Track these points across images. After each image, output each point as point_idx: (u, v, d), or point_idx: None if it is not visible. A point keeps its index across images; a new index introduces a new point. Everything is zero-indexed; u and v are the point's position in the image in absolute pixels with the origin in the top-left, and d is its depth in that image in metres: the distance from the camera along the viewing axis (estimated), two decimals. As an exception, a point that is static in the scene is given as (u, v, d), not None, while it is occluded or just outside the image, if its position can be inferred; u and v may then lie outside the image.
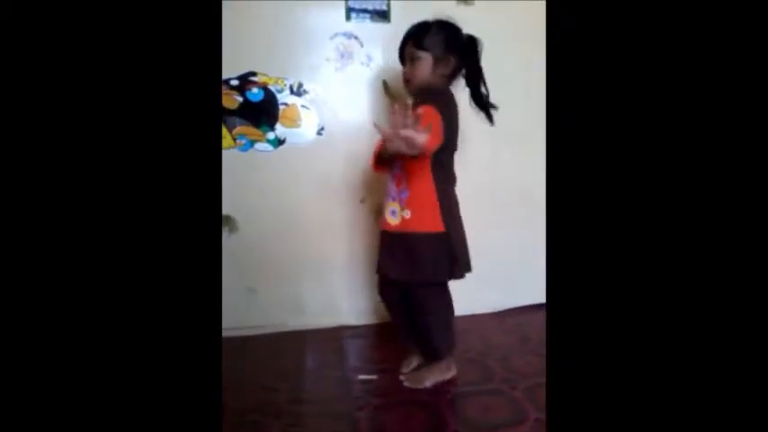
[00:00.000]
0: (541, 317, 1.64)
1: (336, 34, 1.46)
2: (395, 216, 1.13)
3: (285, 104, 1.45)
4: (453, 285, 1.51)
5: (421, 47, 1.10)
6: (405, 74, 1.15)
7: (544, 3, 0.67)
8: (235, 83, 1.40)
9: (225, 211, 1.44)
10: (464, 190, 1.58)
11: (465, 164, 1.55)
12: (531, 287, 1.73)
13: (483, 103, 1.15)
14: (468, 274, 1.59)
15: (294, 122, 1.47)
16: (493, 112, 1.17)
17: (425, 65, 1.10)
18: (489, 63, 1.57)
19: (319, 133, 1.49)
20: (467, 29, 1.43)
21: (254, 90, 1.42)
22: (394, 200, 1.13)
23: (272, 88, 1.44)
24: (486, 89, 1.15)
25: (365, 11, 1.46)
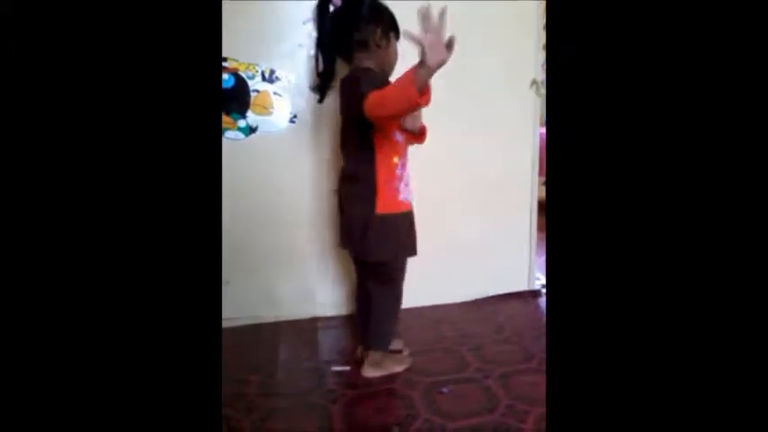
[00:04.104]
0: (514, 306, 1.67)
1: (309, 19, 1.42)
2: (408, 194, 1.14)
3: (257, 91, 1.41)
4: (428, 275, 1.52)
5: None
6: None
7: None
8: (203, 68, 1.35)
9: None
10: (439, 181, 1.58)
11: (439, 156, 1.56)
12: (503, 277, 1.75)
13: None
14: (441, 265, 1.61)
15: (266, 110, 1.43)
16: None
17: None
18: (472, 57, 1.58)
19: (292, 121, 1.45)
20: (451, 20, 1.41)
21: (225, 76, 1.38)
22: (404, 181, 1.13)
23: (242, 74, 1.39)
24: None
25: (339, -4, 1.42)
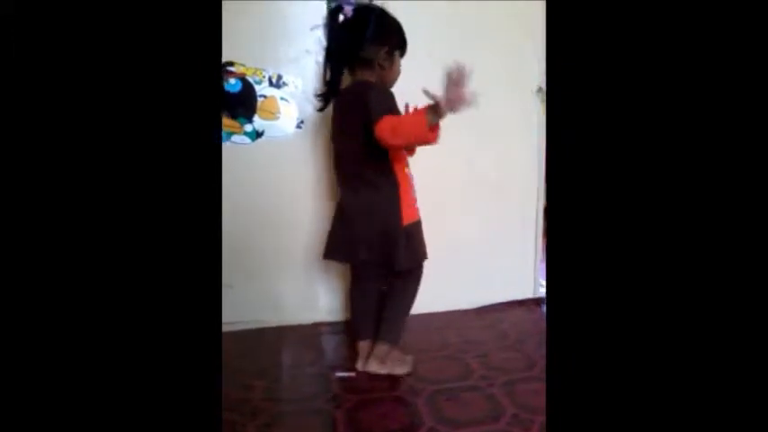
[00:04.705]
0: (518, 313, 1.66)
1: (317, 26, 1.42)
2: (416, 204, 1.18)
3: (263, 96, 1.42)
4: (432, 282, 1.51)
5: None
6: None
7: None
8: (211, 73, 1.37)
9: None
10: (443, 186, 1.58)
11: (444, 159, 1.56)
12: (507, 284, 1.74)
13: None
14: (446, 271, 1.61)
15: (273, 115, 1.43)
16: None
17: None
18: (476, 59, 1.57)
19: (299, 126, 1.46)
20: (452, 21, 1.42)
21: (232, 81, 1.39)
22: (414, 189, 1.17)
23: (250, 79, 1.40)
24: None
25: (348, 2, 1.43)
